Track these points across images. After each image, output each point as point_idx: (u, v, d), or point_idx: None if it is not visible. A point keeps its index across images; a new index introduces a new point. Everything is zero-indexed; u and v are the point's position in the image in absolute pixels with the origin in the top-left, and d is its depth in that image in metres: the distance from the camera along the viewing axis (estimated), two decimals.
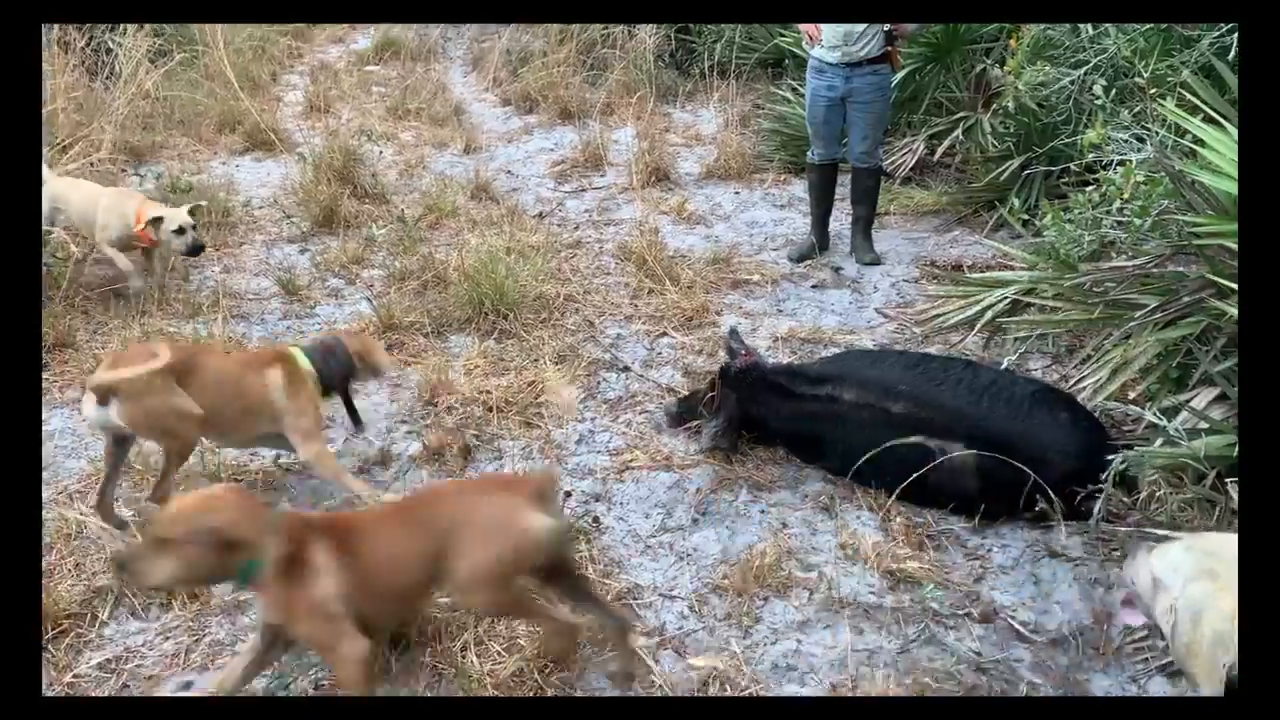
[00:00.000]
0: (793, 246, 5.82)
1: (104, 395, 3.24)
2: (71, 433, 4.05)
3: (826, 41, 5.24)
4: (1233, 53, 3.76)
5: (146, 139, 7.61)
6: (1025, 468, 3.22)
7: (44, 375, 4.37)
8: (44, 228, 4.96)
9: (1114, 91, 3.68)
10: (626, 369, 4.57)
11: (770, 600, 3.15)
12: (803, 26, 5.49)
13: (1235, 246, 3.20)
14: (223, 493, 2.59)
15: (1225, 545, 2.08)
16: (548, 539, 2.62)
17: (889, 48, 5.23)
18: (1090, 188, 3.50)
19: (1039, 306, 4.11)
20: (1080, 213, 3.57)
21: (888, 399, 3.61)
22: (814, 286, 5.38)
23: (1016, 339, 4.40)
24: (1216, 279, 3.27)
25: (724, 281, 5.40)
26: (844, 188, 5.89)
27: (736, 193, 6.83)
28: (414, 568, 2.60)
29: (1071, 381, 3.96)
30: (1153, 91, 3.57)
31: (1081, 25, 4.85)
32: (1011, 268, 4.74)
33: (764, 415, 3.83)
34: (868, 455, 3.48)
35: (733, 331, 4.23)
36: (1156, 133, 3.50)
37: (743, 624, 3.06)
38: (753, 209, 6.55)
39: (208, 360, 3.51)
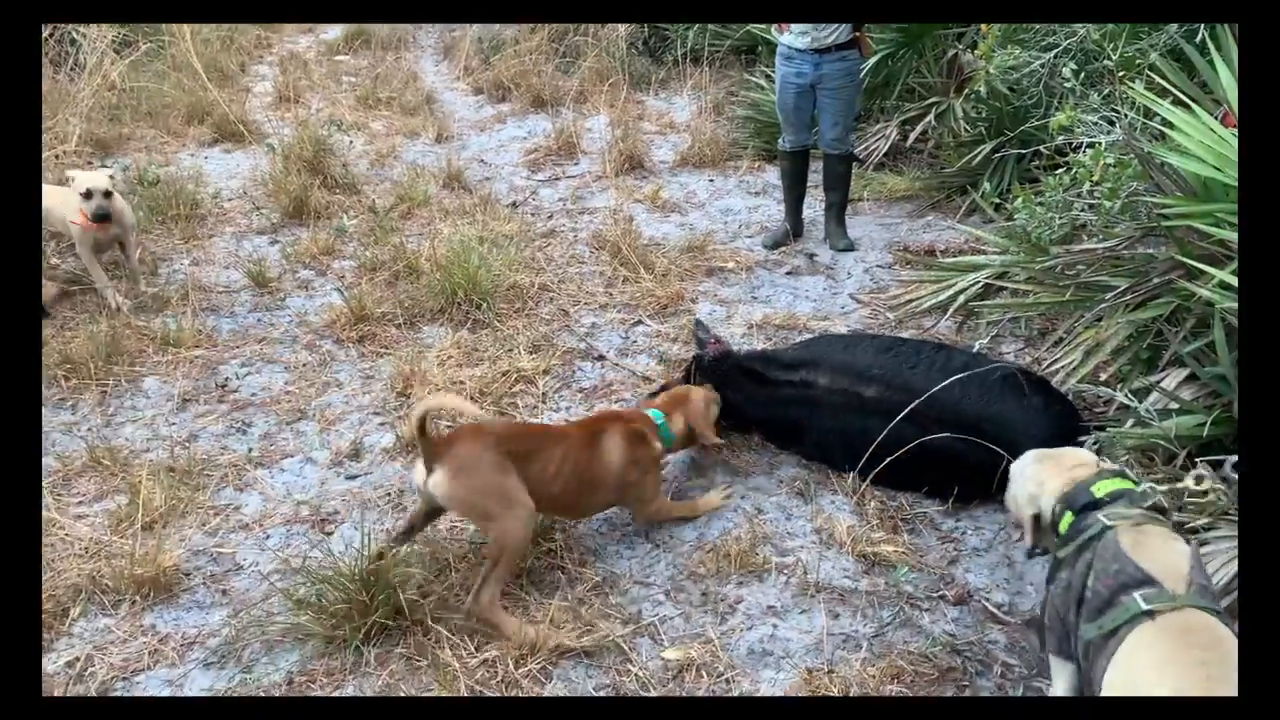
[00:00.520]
0: (767, 234, 5.82)
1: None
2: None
3: (795, 28, 5.23)
4: (1199, 36, 3.77)
5: (113, 131, 7.50)
6: (999, 449, 3.23)
7: None
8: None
9: (1083, 75, 3.68)
10: (602, 358, 4.55)
11: (746, 585, 3.15)
12: None
13: (1203, 228, 3.22)
14: None
15: (1065, 451, 2.53)
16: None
17: (857, 33, 5.21)
18: (1060, 170, 3.50)
19: (1011, 290, 4.12)
20: (1051, 195, 3.58)
21: (861, 383, 3.61)
22: (788, 273, 5.38)
23: (989, 323, 4.42)
24: (1185, 260, 3.29)
25: (699, 269, 5.39)
26: (818, 174, 5.88)
27: (711, 180, 6.81)
28: None
29: (1044, 364, 3.97)
30: (1121, 74, 3.58)
31: None
32: (984, 252, 4.74)
33: (740, 402, 3.82)
34: (842, 442, 3.49)
35: (698, 323, 4.23)
36: (1126, 115, 3.51)
37: (718, 610, 3.06)
38: (727, 196, 6.54)
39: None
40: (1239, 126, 3.10)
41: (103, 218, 4.74)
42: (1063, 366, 3.78)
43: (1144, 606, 1.97)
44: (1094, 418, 3.61)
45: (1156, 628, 1.94)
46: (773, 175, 6.68)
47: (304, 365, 4.52)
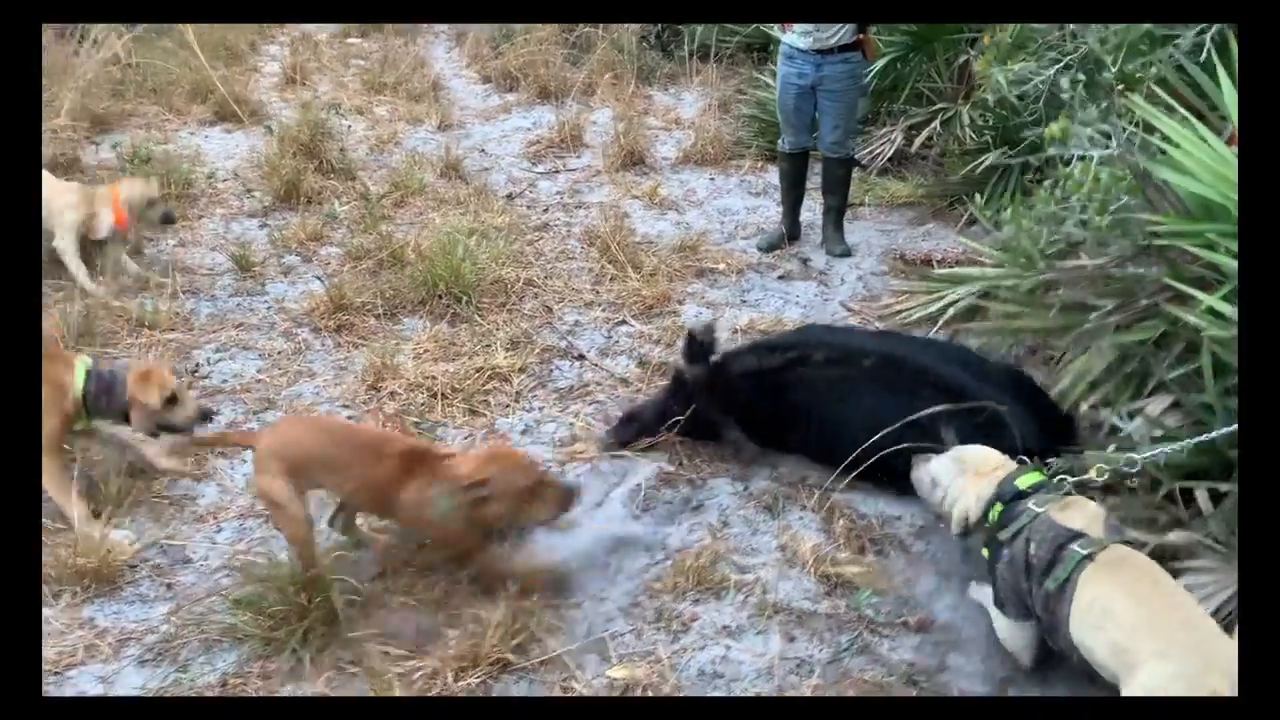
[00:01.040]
0: (763, 236, 5.70)
1: None
2: None
3: (797, 27, 5.10)
4: (1204, 54, 3.64)
5: (115, 107, 7.43)
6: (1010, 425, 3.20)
7: None
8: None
9: (1080, 86, 3.55)
10: (581, 357, 4.46)
11: (703, 603, 3.06)
12: None
13: (1194, 250, 3.09)
14: None
15: (971, 451, 2.98)
16: None
17: (861, 35, 5.09)
18: (1048, 183, 3.38)
19: (999, 307, 4.00)
20: (1042, 209, 3.45)
21: (857, 357, 3.62)
22: (780, 277, 5.26)
23: (979, 338, 4.29)
24: (1174, 283, 3.16)
25: (689, 270, 5.28)
26: (819, 177, 5.75)
27: (711, 179, 6.68)
28: None
29: None
30: (1120, 87, 3.45)
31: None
32: (981, 264, 4.62)
33: (731, 392, 3.71)
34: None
35: (691, 337, 3.87)
36: (1125, 129, 3.38)
37: (671, 628, 2.96)
38: (727, 196, 6.42)
39: None
40: (1239, 141, 2.98)
41: (169, 219, 5.15)
42: (1055, 392, 3.66)
43: (1083, 552, 2.50)
44: (1084, 443, 3.48)
45: (1096, 565, 2.48)
46: (775, 176, 6.55)
47: (279, 353, 4.44)
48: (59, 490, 3.20)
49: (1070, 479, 2.76)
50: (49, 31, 7.29)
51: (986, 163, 5.49)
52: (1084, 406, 3.48)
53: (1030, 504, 2.68)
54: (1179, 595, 2.44)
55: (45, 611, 2.97)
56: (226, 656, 2.82)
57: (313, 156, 6.43)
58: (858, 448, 3.30)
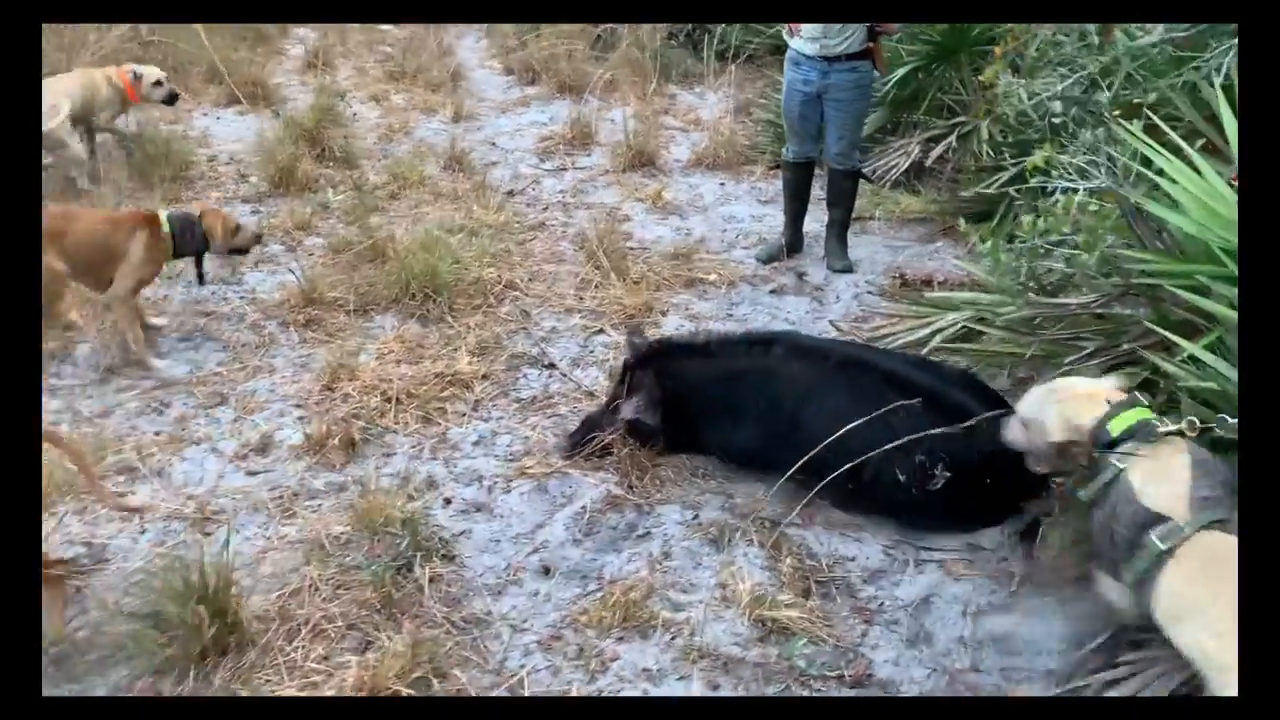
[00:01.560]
0: (763, 246, 5.50)
1: None
2: None
3: (805, 33, 4.90)
4: (1223, 74, 3.39)
5: None
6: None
7: None
8: None
9: (1073, 109, 3.32)
10: (552, 366, 4.30)
11: (628, 642, 2.89)
12: None
13: (1179, 292, 2.86)
14: None
15: (1065, 380, 2.77)
16: None
17: (870, 44, 4.87)
18: (1029, 216, 3.16)
19: (986, 335, 3.78)
20: (1025, 240, 3.23)
21: (824, 354, 3.53)
22: (772, 291, 5.06)
23: (966, 366, 4.07)
24: (1158, 329, 2.93)
25: (678, 279, 5.09)
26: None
27: (721, 184, 6.49)
28: None
29: None
30: (1115, 113, 3.21)
31: (1090, 36, 4.47)
32: (984, 288, 4.39)
33: (682, 381, 3.59)
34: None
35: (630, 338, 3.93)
36: (1119, 160, 3.15)
37: (590, 667, 2.80)
38: (734, 202, 6.22)
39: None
40: (1239, 174, 2.75)
41: (173, 98, 6.07)
42: None
43: (1161, 547, 2.29)
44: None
45: (1177, 564, 2.27)
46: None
47: (242, 345, 4.34)
48: (129, 325, 4.10)
49: (1161, 429, 2.47)
50: None
51: (1000, 181, 5.25)
52: None
53: (1114, 460, 2.46)
54: None
55: None
56: (119, 670, 2.71)
57: (314, 143, 6.34)
58: (816, 446, 3.08)
